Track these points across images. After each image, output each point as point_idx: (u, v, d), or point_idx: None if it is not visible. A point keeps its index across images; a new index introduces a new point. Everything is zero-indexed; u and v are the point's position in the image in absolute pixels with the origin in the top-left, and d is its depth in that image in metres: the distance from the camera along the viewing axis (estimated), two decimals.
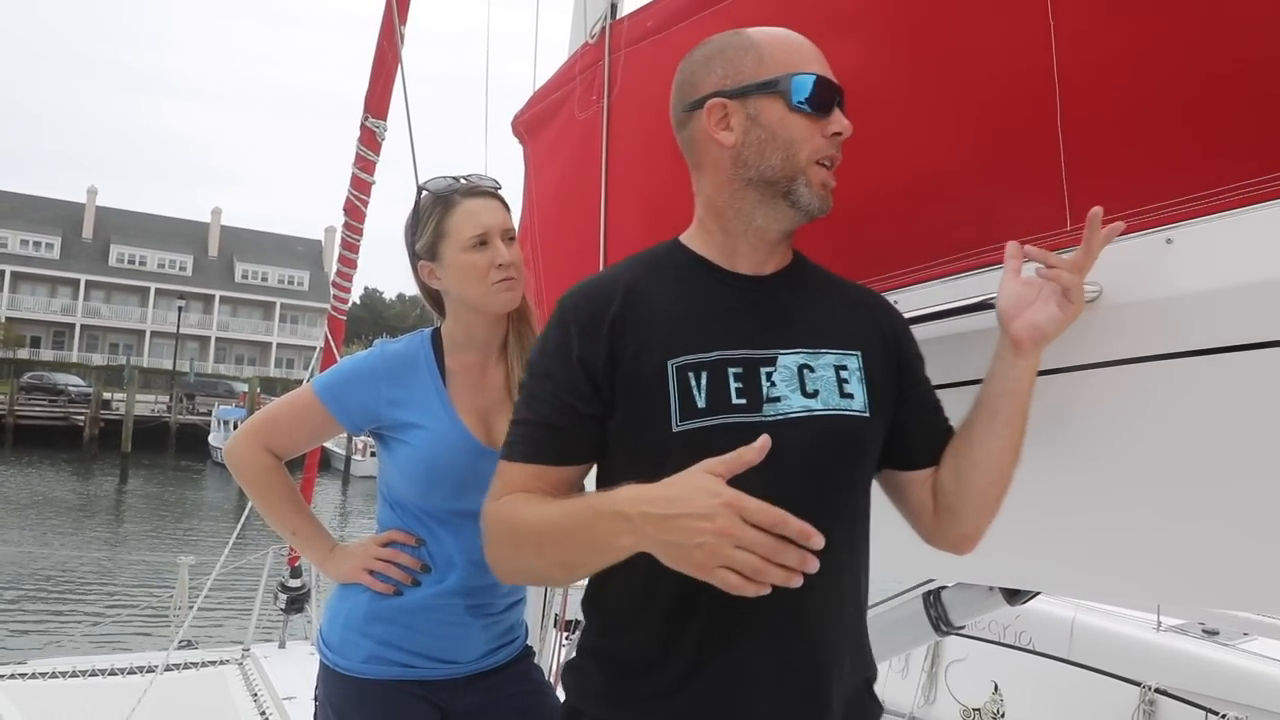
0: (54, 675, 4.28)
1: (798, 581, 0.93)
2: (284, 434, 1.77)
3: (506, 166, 2.28)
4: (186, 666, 4.53)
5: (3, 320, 46.39)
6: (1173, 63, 1.15)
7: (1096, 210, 1.14)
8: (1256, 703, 3.43)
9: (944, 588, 2.15)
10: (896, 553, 1.42)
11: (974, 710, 4.14)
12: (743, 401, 1.15)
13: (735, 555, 0.92)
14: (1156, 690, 3.48)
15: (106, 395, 35.19)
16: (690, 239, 1.29)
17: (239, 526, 4.25)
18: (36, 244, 50.73)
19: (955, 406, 1.31)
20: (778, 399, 1.16)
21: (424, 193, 1.73)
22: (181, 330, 46.07)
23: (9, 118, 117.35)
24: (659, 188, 1.75)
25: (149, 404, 36.16)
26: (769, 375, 1.17)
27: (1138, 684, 3.52)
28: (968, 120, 1.37)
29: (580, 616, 1.84)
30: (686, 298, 1.21)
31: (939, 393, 1.33)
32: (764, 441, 0.97)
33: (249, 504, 1.85)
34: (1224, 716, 3.28)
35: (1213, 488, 1.25)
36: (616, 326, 1.17)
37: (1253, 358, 1.12)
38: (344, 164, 4.59)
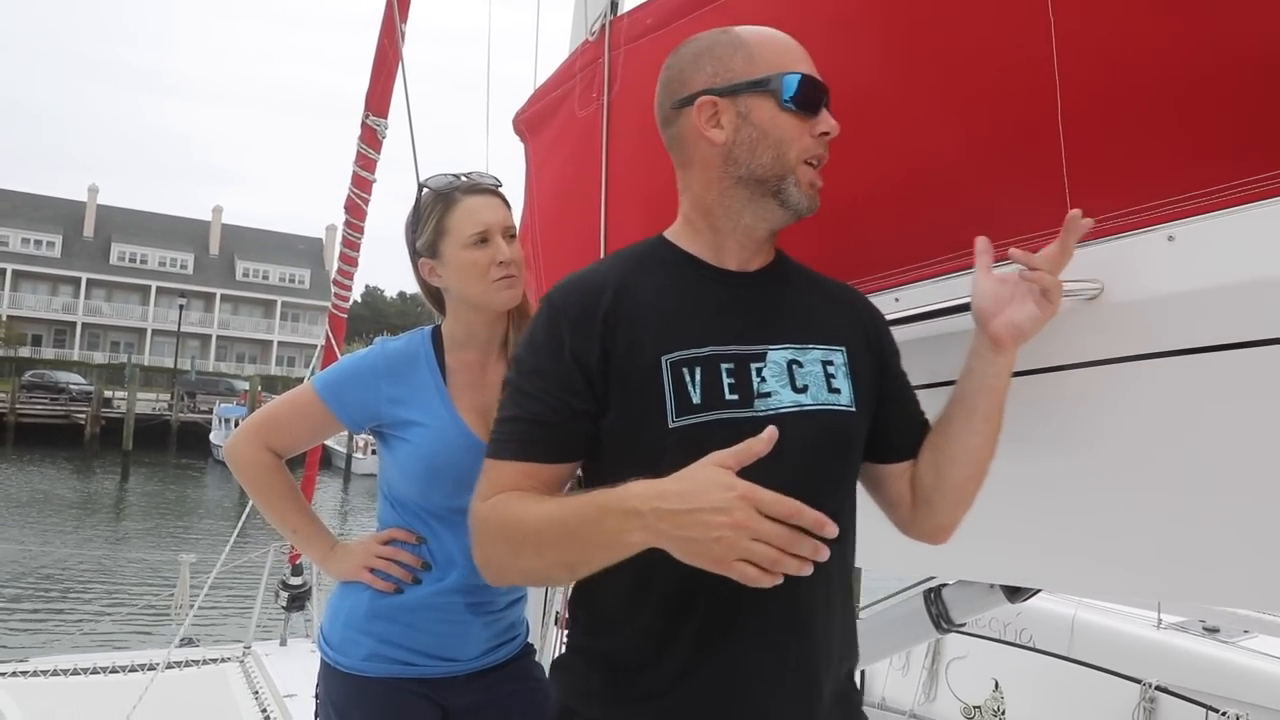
0: (55, 673, 4.29)
1: (809, 570, 0.94)
2: (284, 432, 1.77)
3: (508, 165, 2.27)
4: (188, 664, 4.53)
5: (4, 319, 46.44)
6: (1174, 58, 1.15)
7: (1075, 213, 1.16)
8: (1257, 700, 3.43)
9: (945, 585, 2.15)
10: (896, 550, 1.42)
11: (975, 708, 4.14)
12: (735, 397, 1.15)
13: (752, 548, 0.92)
14: (1157, 688, 3.47)
15: (108, 393, 35.19)
16: (677, 236, 1.28)
17: (240, 524, 4.25)
18: (38, 242, 50.76)
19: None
20: (768, 394, 1.17)
21: (425, 190, 1.73)
22: (182, 328, 46.06)
23: (10, 117, 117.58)
24: (659, 185, 1.74)
25: (150, 402, 36.19)
26: (759, 371, 1.17)
27: (1138, 681, 3.52)
28: (968, 117, 1.37)
29: None
30: (677, 294, 1.21)
31: (940, 391, 1.33)
32: (771, 433, 0.98)
33: (250, 502, 1.86)
34: (1224, 714, 3.28)
35: (1214, 485, 1.25)
36: (609, 322, 1.16)
37: (1256, 355, 1.12)
38: (345, 162, 4.59)
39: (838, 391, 1.21)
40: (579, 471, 1.24)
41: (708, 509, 0.93)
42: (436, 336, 1.77)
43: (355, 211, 4.53)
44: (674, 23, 1.82)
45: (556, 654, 1.32)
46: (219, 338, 54.28)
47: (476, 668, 1.76)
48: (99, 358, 49.40)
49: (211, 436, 32.04)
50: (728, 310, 1.21)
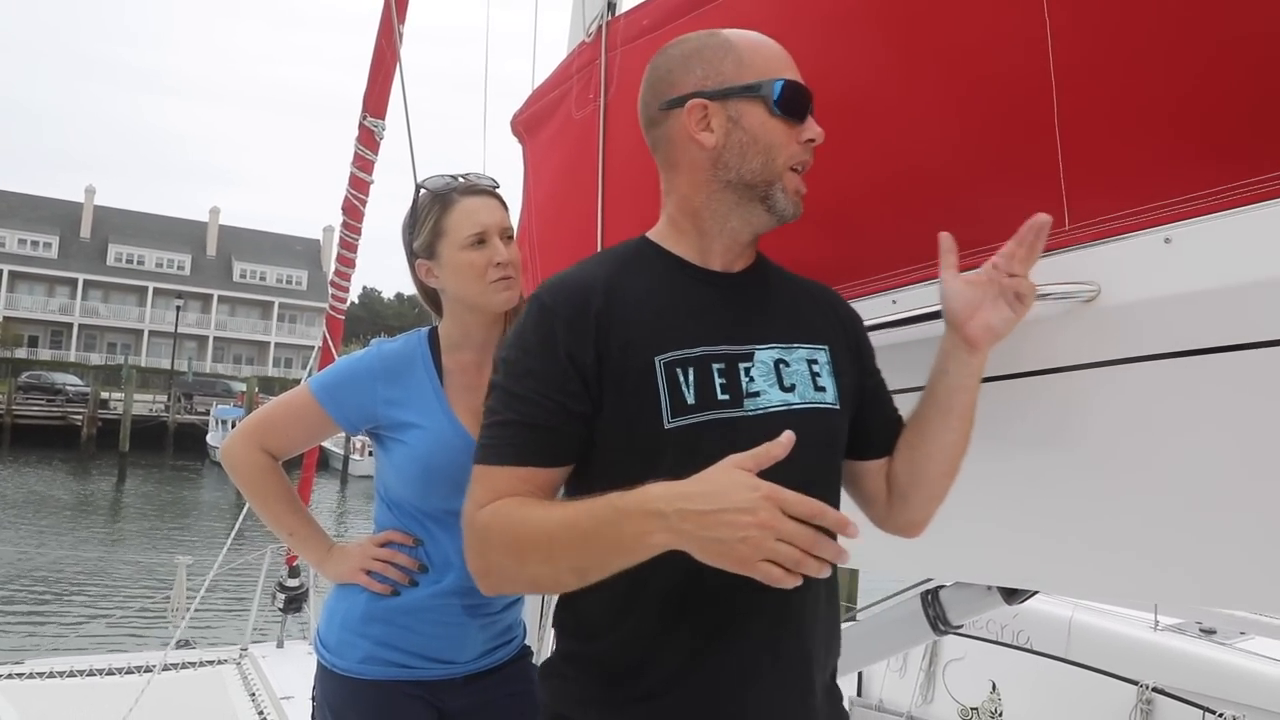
0: (51, 675, 4.27)
1: (827, 572, 0.94)
2: (280, 434, 1.76)
3: (506, 166, 2.28)
4: (184, 666, 4.52)
5: (0, 320, 46.34)
6: (1171, 59, 1.15)
7: (1046, 218, 1.18)
8: (1254, 702, 3.43)
9: (942, 587, 2.15)
10: (893, 552, 1.42)
11: (972, 709, 4.14)
12: (727, 397, 1.15)
13: (777, 548, 0.92)
14: (1154, 689, 3.47)
15: (104, 395, 35.16)
16: (661, 237, 1.28)
17: (236, 526, 4.25)
18: (34, 243, 50.65)
19: None
20: (757, 393, 1.17)
21: (422, 191, 1.73)
22: (179, 330, 45.99)
23: (8, 117, 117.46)
24: (656, 186, 1.74)
25: (147, 403, 36.14)
26: (747, 370, 1.18)
27: (1135, 683, 3.52)
28: (965, 118, 1.37)
29: None
30: (667, 294, 1.21)
31: None
32: (789, 437, 0.98)
33: (247, 504, 1.85)
34: (1221, 715, 3.28)
35: (1210, 487, 1.25)
36: (602, 322, 1.15)
37: (1252, 357, 1.12)
38: (342, 163, 4.59)
39: (823, 390, 1.23)
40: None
41: (732, 509, 0.93)
42: (433, 338, 1.76)
43: (353, 213, 4.53)
44: (670, 24, 1.82)
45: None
46: (216, 339, 54.19)
47: (473, 670, 1.75)
48: (96, 359, 49.28)
49: (208, 438, 32.01)
50: (716, 310, 1.22)
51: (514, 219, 1.80)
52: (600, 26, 2.05)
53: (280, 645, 4.96)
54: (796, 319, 1.27)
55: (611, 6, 2.12)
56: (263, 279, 56.17)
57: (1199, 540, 1.30)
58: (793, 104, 1.21)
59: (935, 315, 1.35)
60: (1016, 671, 4.00)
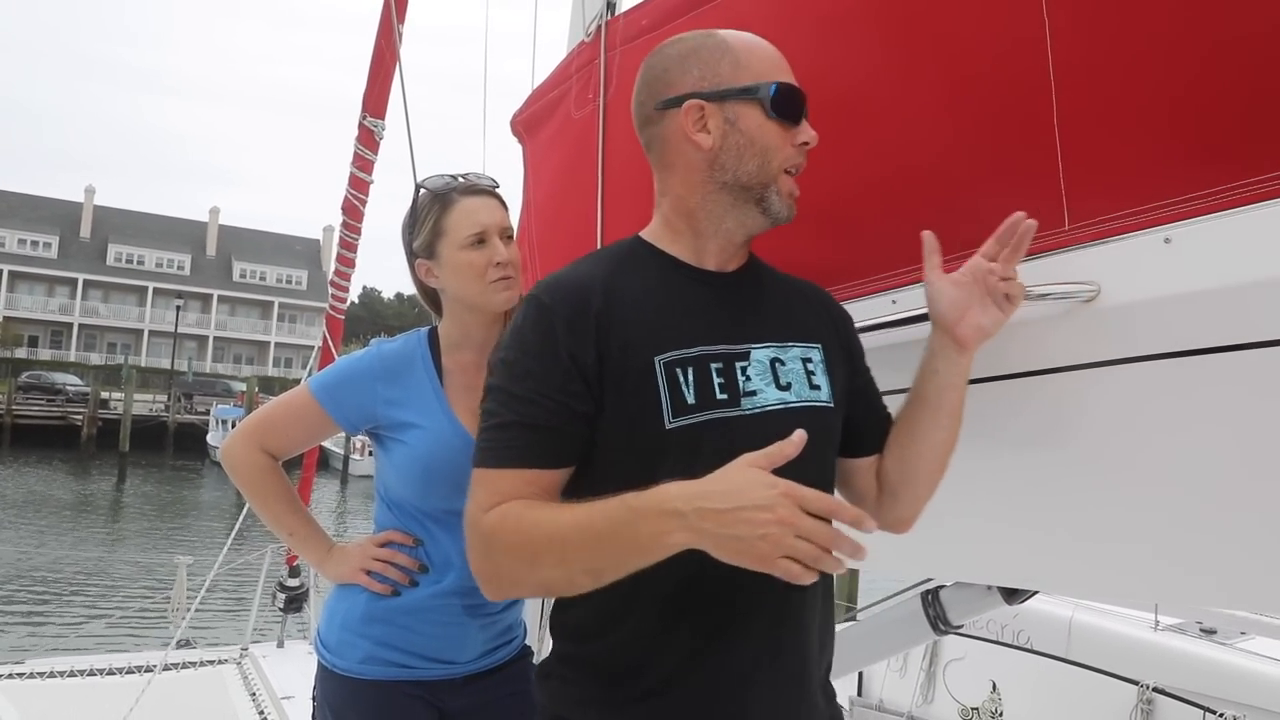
0: (52, 675, 4.27)
1: (844, 569, 0.94)
2: (280, 434, 1.76)
3: (505, 166, 2.27)
4: (185, 666, 4.52)
5: (0, 319, 46.34)
6: (1171, 59, 1.15)
7: (1024, 217, 1.19)
8: (1254, 702, 3.43)
9: (942, 587, 2.15)
10: (894, 551, 1.42)
11: (972, 709, 4.14)
12: (725, 396, 1.16)
13: (797, 545, 0.92)
14: (1154, 689, 3.47)
15: (104, 394, 35.17)
16: (656, 237, 1.28)
17: (237, 526, 4.25)
18: (34, 243, 50.64)
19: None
20: (754, 392, 1.18)
21: (422, 191, 1.73)
22: (179, 329, 45.99)
23: (8, 117, 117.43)
24: None
25: (147, 403, 36.14)
26: (743, 369, 1.18)
27: (1136, 683, 3.52)
28: (964, 118, 1.37)
29: None
30: (663, 294, 1.21)
31: None
32: (800, 435, 0.99)
33: (247, 503, 1.85)
34: (1222, 715, 3.28)
35: (1210, 487, 1.25)
36: (602, 322, 1.15)
37: (1251, 357, 1.12)
38: (342, 163, 4.58)
39: (818, 388, 1.24)
40: None
41: (751, 506, 0.93)
42: (433, 338, 1.76)
43: (352, 213, 4.53)
44: (669, 24, 1.82)
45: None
46: (216, 339, 54.18)
47: (473, 670, 1.75)
48: (95, 359, 49.28)
49: (208, 438, 32.01)
50: (712, 310, 1.22)
51: (514, 219, 1.80)
52: (599, 26, 2.05)
53: (281, 645, 4.96)
54: (790, 318, 1.28)
55: (611, 6, 2.12)
56: (263, 279, 56.17)
57: (1200, 540, 1.30)
58: (788, 107, 1.21)
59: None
60: (1017, 671, 4.00)
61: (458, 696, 1.73)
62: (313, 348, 5.43)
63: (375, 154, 4.33)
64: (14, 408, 34.19)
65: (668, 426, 1.12)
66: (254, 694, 4.20)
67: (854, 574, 8.17)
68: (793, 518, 0.92)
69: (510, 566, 1.10)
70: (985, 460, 1.46)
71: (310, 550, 1.81)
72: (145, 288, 52.33)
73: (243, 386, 38.55)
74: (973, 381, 1.31)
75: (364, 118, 4.23)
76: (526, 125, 2.48)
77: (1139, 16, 1.17)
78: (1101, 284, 1.20)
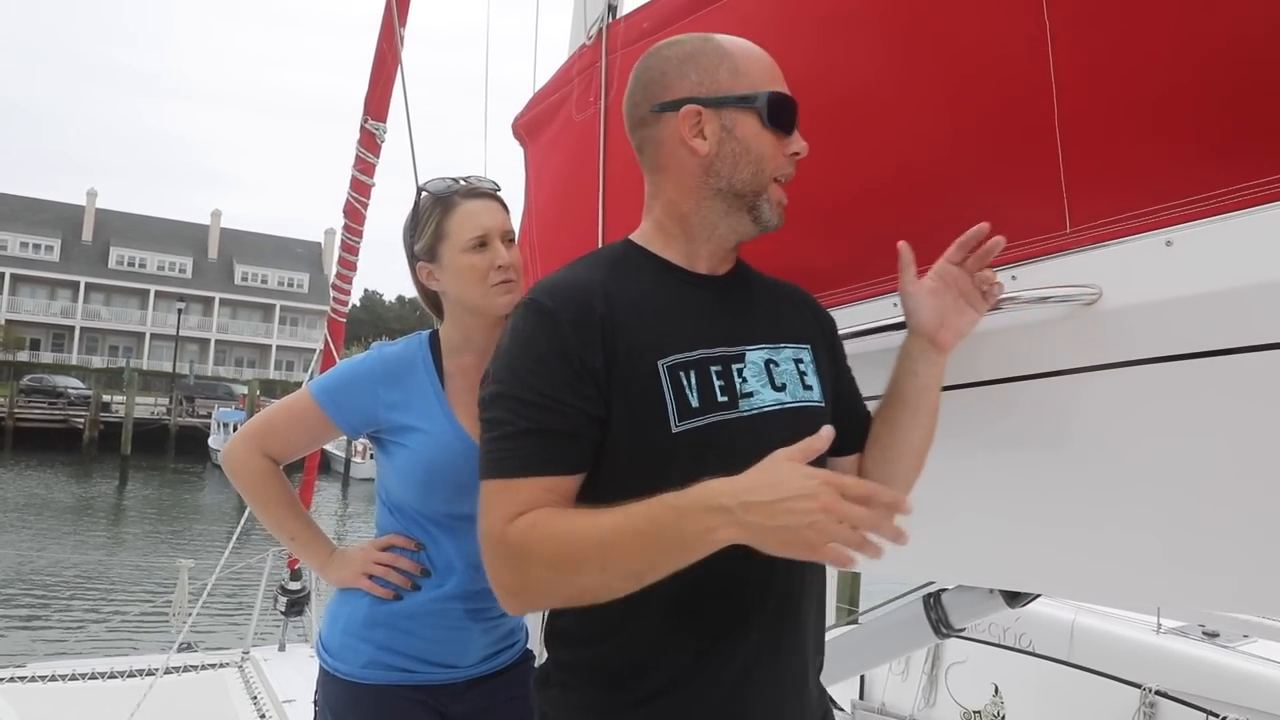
0: (53, 678, 4.27)
1: (881, 556, 0.96)
2: (281, 438, 1.76)
3: (507, 169, 2.27)
4: (186, 669, 4.52)
5: (2, 323, 46.40)
6: (1172, 62, 1.15)
7: (998, 239, 1.23)
8: (1257, 705, 3.43)
9: (944, 590, 2.15)
10: (895, 555, 1.42)
11: (974, 713, 4.13)
12: (725, 399, 1.16)
13: (843, 530, 0.93)
14: (1157, 692, 3.47)
15: (106, 398, 35.19)
16: (648, 240, 1.28)
17: (238, 529, 4.25)
18: (36, 246, 50.71)
19: (949, 409, 1.31)
20: (751, 394, 1.19)
21: (423, 194, 1.73)
22: (181, 332, 46.00)
23: (9, 120, 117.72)
24: None
25: (148, 406, 36.16)
26: (739, 371, 1.19)
27: (1138, 686, 3.51)
28: (966, 121, 1.37)
29: None
30: (661, 298, 1.21)
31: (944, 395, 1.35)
32: (829, 431, 1.01)
33: (249, 507, 1.85)
34: (1224, 719, 3.28)
35: (1213, 490, 1.25)
36: (606, 326, 1.14)
37: (1253, 360, 1.12)
38: (344, 166, 4.58)
39: (810, 388, 1.26)
40: None
41: (795, 496, 0.94)
42: (434, 341, 1.76)
43: (354, 215, 4.53)
44: (671, 26, 1.82)
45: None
46: (218, 342, 54.23)
47: (475, 674, 1.75)
48: (97, 362, 49.32)
49: (210, 441, 32.01)
50: (708, 313, 1.23)
51: (515, 222, 1.80)
52: (601, 29, 2.05)
53: (282, 648, 4.96)
54: (780, 320, 1.29)
55: (612, 9, 2.12)
56: (264, 282, 56.21)
57: (1201, 543, 1.30)
58: (783, 117, 1.22)
59: None
60: (1019, 674, 4.00)
61: (459, 701, 1.73)
62: (314, 351, 5.42)
63: (377, 157, 4.33)
64: (16, 411, 34.20)
65: (674, 430, 1.12)
66: (255, 697, 4.20)
67: (856, 577, 8.15)
68: (836, 504, 0.93)
69: (544, 576, 1.07)
70: (986, 463, 1.46)
71: (312, 554, 1.81)
72: (147, 291, 52.37)
73: (244, 389, 38.53)
74: (975, 385, 1.31)
75: (365, 120, 4.23)
76: (528, 128, 2.48)
77: (1139, 18, 1.17)
78: (1103, 287, 1.20)
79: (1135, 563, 1.39)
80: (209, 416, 34.58)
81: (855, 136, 1.49)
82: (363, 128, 4.27)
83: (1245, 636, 3.89)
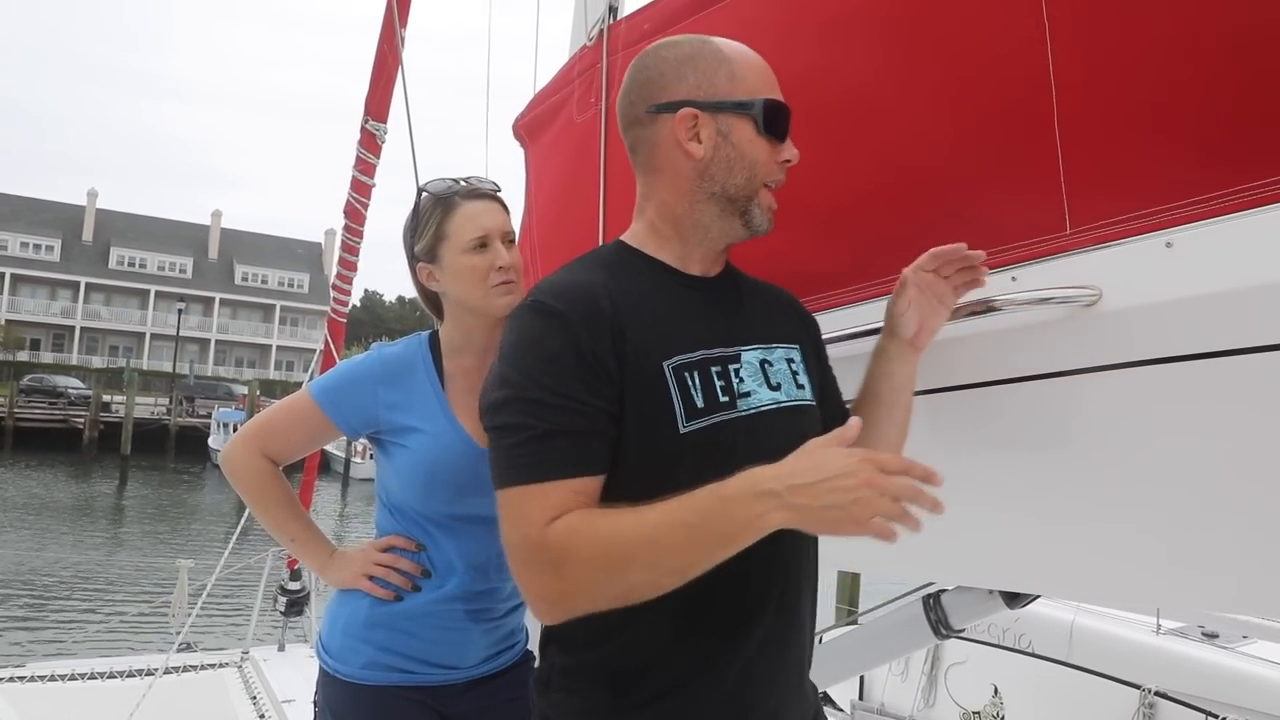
0: (53, 678, 4.27)
1: (920, 529, 0.97)
2: (281, 439, 1.76)
3: (507, 170, 2.28)
4: (186, 669, 4.52)
5: (3, 323, 46.40)
6: (1172, 63, 1.15)
7: (980, 253, 1.26)
8: (1256, 706, 3.43)
9: (944, 591, 2.14)
10: (895, 555, 1.42)
11: (974, 713, 4.13)
12: (726, 399, 1.17)
13: (884, 504, 0.94)
14: (1156, 693, 3.47)
15: (106, 398, 35.18)
16: (641, 242, 1.28)
17: (238, 529, 4.25)
18: (37, 246, 50.73)
19: (949, 410, 1.31)
20: (748, 393, 1.20)
21: (424, 195, 1.73)
22: (181, 333, 45.99)
23: (10, 120, 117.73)
24: None
25: (148, 406, 36.16)
26: (736, 371, 1.20)
27: (1138, 687, 3.52)
28: (966, 123, 1.37)
29: None
30: (660, 299, 1.21)
31: (938, 397, 1.36)
32: (858, 422, 1.02)
33: (248, 508, 1.85)
34: (1224, 719, 3.28)
35: (1212, 491, 1.25)
36: (615, 327, 1.13)
37: (1253, 361, 1.12)
38: (344, 167, 4.59)
39: (803, 387, 1.28)
40: None
41: (839, 474, 0.96)
42: (434, 342, 1.76)
43: (354, 216, 4.54)
44: (671, 27, 1.82)
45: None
46: (218, 342, 54.24)
47: (476, 675, 1.75)
48: (97, 362, 49.32)
49: (210, 441, 32.00)
50: (704, 314, 1.24)
51: (515, 223, 1.80)
52: (602, 30, 2.05)
53: (282, 649, 4.95)
54: (771, 320, 1.31)
55: (613, 10, 2.12)
56: (264, 282, 56.22)
57: (1201, 543, 1.29)
58: (778, 125, 1.23)
59: None
60: (1019, 675, 4.00)
61: (460, 702, 1.73)
62: (314, 351, 5.42)
63: (377, 157, 4.34)
64: (16, 411, 34.20)
65: (683, 431, 1.13)
66: (255, 698, 4.19)
67: (856, 578, 8.16)
68: (878, 479, 0.95)
69: (591, 578, 1.04)
70: (987, 464, 1.46)
71: (312, 556, 1.81)
72: (147, 291, 52.38)
73: (244, 390, 38.52)
74: (975, 386, 1.31)
75: (366, 121, 4.24)
76: (529, 129, 2.48)
77: (1139, 19, 1.17)
78: (1103, 288, 1.21)
79: (1135, 563, 1.39)
80: (209, 417, 34.57)
81: (855, 137, 1.50)
82: (363, 128, 4.27)
83: (1245, 637, 3.90)
